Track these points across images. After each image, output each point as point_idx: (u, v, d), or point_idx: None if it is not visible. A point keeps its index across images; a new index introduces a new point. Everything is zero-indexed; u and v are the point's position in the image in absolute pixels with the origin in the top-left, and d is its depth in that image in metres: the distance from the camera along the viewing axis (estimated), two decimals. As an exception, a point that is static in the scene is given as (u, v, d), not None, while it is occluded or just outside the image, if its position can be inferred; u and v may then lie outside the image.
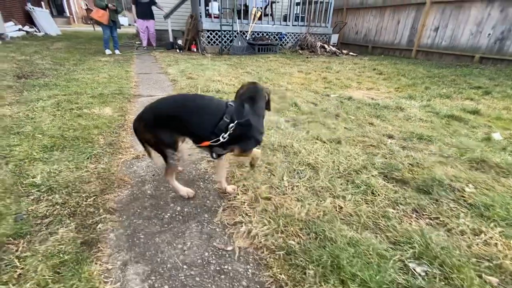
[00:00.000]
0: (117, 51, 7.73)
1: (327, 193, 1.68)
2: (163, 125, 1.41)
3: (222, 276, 1.15)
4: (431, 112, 3.37)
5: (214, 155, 1.51)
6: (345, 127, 2.77)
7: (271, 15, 9.98)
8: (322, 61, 7.84)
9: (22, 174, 1.77)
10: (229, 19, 8.68)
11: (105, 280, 1.11)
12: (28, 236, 1.29)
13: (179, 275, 1.15)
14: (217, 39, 8.77)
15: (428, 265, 1.19)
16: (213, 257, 1.24)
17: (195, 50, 9.05)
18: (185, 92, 3.83)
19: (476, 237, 1.40)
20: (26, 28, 11.99)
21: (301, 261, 1.19)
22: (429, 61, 8.16)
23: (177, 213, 1.53)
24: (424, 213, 1.56)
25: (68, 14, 24.94)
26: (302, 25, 10.06)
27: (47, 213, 1.44)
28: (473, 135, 2.70)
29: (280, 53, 9.18)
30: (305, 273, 1.14)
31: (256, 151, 1.62)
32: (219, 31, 8.55)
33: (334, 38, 10.96)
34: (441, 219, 1.52)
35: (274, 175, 1.87)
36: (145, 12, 8.52)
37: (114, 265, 1.18)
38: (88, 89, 3.82)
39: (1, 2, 10.20)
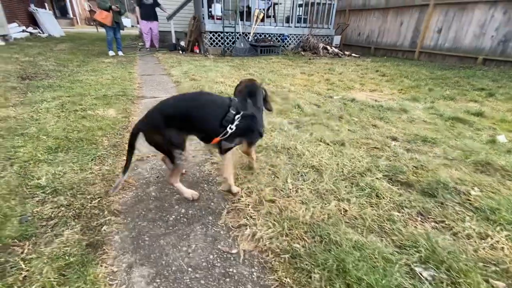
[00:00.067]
0: (120, 53, 7.77)
1: (332, 196, 1.67)
2: (172, 124, 1.43)
3: (227, 279, 1.15)
4: (435, 114, 3.36)
5: (222, 150, 1.58)
6: (348, 129, 2.76)
7: (274, 16, 9.99)
8: (324, 62, 7.83)
9: (27, 175, 1.78)
10: (232, 20, 8.70)
11: (110, 282, 1.11)
12: (34, 238, 1.30)
13: (184, 278, 1.15)
14: (219, 41, 8.79)
15: (434, 270, 1.18)
16: (218, 260, 1.24)
17: (197, 51, 9.08)
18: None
19: (483, 241, 1.39)
20: (30, 29, 12.09)
21: (306, 264, 1.18)
22: (432, 63, 8.13)
23: (181, 215, 1.53)
24: (429, 217, 1.55)
25: (71, 16, 25.12)
26: (304, 27, 10.06)
27: (52, 215, 1.45)
28: (478, 138, 2.68)
29: (283, 54, 9.19)
30: (310, 277, 1.13)
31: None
32: (221, 32, 8.57)
33: (337, 39, 10.96)
34: (446, 222, 1.51)
35: (278, 178, 1.87)
36: (149, 14, 8.57)
37: (119, 267, 1.18)
38: (92, 90, 3.84)
39: (5, 3, 10.28)
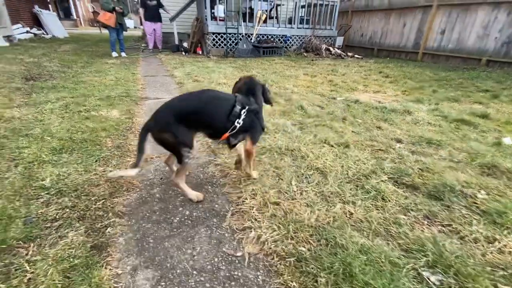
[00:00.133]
0: (123, 54, 7.80)
1: (337, 199, 1.66)
2: (181, 122, 1.43)
3: (233, 283, 1.14)
4: (439, 116, 3.33)
5: (231, 146, 1.65)
6: (352, 131, 2.74)
7: (276, 17, 10.00)
8: (327, 63, 7.82)
9: (32, 176, 1.78)
10: (235, 22, 8.71)
11: (115, 285, 1.11)
12: (38, 239, 1.29)
13: (189, 281, 1.14)
14: (222, 42, 8.81)
15: (442, 274, 1.16)
16: (223, 263, 1.23)
17: (200, 52, 9.10)
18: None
19: (490, 245, 1.37)
20: (34, 30, 12.18)
21: (312, 268, 1.17)
22: (435, 64, 8.10)
23: (186, 217, 1.52)
24: (436, 220, 1.53)
25: (75, 17, 25.31)
26: (307, 28, 10.06)
27: (57, 216, 1.44)
28: (483, 140, 2.66)
29: (285, 55, 9.19)
30: (316, 281, 1.12)
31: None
32: (224, 33, 8.59)
33: (339, 40, 10.94)
34: (453, 226, 1.49)
35: (282, 180, 1.86)
36: (153, 15, 8.61)
37: (124, 270, 1.18)
38: (96, 91, 3.85)
39: (10, 4, 10.37)
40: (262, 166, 2.04)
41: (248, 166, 1.80)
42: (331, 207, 1.58)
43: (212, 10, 8.60)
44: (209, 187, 1.83)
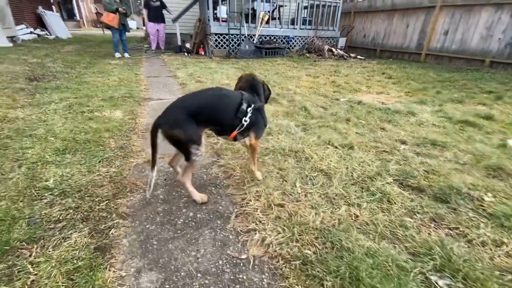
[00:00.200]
0: (126, 54, 7.82)
1: (342, 201, 1.64)
2: (192, 119, 1.45)
3: (237, 286, 1.13)
4: (443, 117, 3.31)
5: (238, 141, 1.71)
6: (356, 132, 2.73)
7: (279, 18, 10.00)
8: (330, 64, 7.80)
9: (35, 177, 1.78)
10: (237, 22, 8.72)
11: (119, 287, 1.09)
12: (42, 241, 1.29)
13: (194, 283, 1.13)
14: (224, 43, 8.81)
15: (451, 279, 1.14)
16: (227, 266, 1.22)
17: (203, 53, 9.11)
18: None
19: (498, 248, 1.35)
20: (37, 31, 12.25)
21: (318, 271, 1.15)
22: (438, 65, 8.06)
23: (189, 219, 1.51)
24: (442, 223, 1.51)
25: (78, 18, 25.45)
26: (309, 29, 10.05)
27: (60, 218, 1.44)
28: (488, 142, 2.63)
29: (288, 56, 9.18)
30: (322, 285, 1.11)
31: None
32: (226, 34, 8.59)
33: (342, 41, 10.92)
34: (460, 229, 1.47)
35: (286, 181, 1.84)
36: (156, 16, 8.64)
37: (127, 272, 1.17)
38: (99, 92, 3.85)
39: (13, 5, 10.44)
40: (266, 167, 2.03)
41: (252, 163, 1.83)
42: (336, 209, 1.56)
43: (215, 11, 8.61)
44: (213, 188, 1.82)
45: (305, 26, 10.02)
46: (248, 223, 1.47)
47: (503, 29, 6.89)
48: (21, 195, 1.60)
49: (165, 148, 2.31)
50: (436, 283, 1.13)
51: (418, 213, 1.56)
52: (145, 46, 10.92)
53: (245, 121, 1.58)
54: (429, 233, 1.42)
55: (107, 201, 1.59)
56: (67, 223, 1.41)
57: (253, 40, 8.94)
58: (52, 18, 13.86)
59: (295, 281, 1.13)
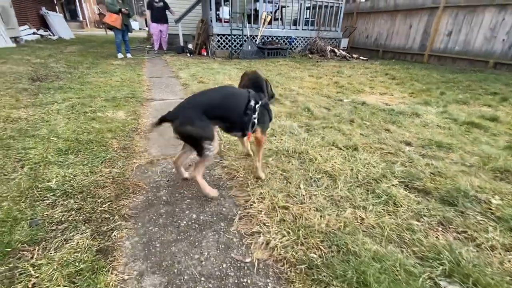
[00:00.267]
0: (128, 55, 7.84)
1: (347, 203, 1.62)
2: (204, 115, 1.49)
3: (242, 290, 1.11)
4: (448, 118, 3.27)
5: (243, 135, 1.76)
6: (360, 133, 2.70)
7: (281, 19, 9.99)
8: (332, 65, 7.77)
9: (38, 177, 1.77)
10: (239, 23, 8.71)
11: (121, 291, 1.08)
12: (43, 242, 1.27)
13: (197, 287, 1.11)
14: (227, 43, 8.81)
15: (460, 284, 1.12)
16: (231, 269, 1.20)
17: (205, 54, 9.11)
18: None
19: (508, 253, 1.32)
20: (41, 31, 12.31)
21: (324, 276, 1.13)
22: (442, 66, 8.01)
23: (193, 221, 1.49)
24: (450, 226, 1.48)
25: (81, 19, 25.58)
26: (312, 29, 10.03)
27: (63, 219, 1.42)
28: (495, 143, 2.59)
29: (290, 57, 9.16)
30: (329, 290, 1.08)
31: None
32: (229, 35, 8.59)
33: (344, 42, 10.88)
34: (469, 233, 1.44)
35: (290, 183, 1.82)
36: (159, 16, 8.65)
37: (130, 275, 1.15)
38: (102, 92, 3.85)
39: (17, 6, 10.50)
40: (269, 169, 2.00)
41: (257, 159, 1.84)
42: (341, 212, 1.54)
43: (217, 12, 8.62)
44: (216, 189, 1.79)
45: (307, 27, 10.00)
46: (252, 225, 1.45)
47: (507, 30, 6.84)
48: (23, 196, 1.59)
49: (167, 148, 2.31)
50: (446, 288, 1.10)
51: (425, 216, 1.54)
52: (147, 46, 10.94)
53: (254, 118, 1.64)
54: (437, 237, 1.39)
55: (109, 203, 1.57)
56: (69, 224, 1.39)
57: (256, 40, 8.93)
58: (55, 18, 13.93)
59: (300, 286, 1.11)
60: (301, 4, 9.69)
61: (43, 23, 13.45)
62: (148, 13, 8.80)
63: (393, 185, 1.81)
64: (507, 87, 5.09)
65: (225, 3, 8.76)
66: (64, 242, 1.28)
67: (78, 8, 25.17)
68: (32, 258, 1.19)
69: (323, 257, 1.23)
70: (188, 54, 9.03)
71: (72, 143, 2.24)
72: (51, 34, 13.03)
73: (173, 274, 1.17)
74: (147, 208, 1.58)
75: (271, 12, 9.22)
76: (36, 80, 4.41)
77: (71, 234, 1.32)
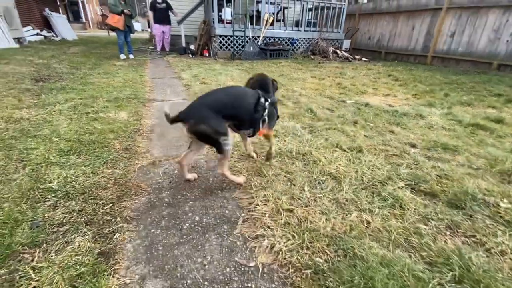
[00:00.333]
0: (131, 56, 7.85)
1: (353, 206, 1.59)
2: (217, 114, 1.53)
3: (246, 295, 1.08)
4: (453, 120, 3.23)
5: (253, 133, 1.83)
6: (364, 135, 2.67)
7: (283, 20, 9.98)
8: (335, 66, 7.75)
9: (39, 178, 1.75)
10: (242, 24, 8.71)
11: (123, 295, 1.05)
12: (44, 245, 1.25)
13: (200, 292, 1.08)
14: (229, 45, 8.81)
15: (471, 291, 1.08)
16: (235, 274, 1.17)
17: (207, 55, 9.11)
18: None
19: (518, 258, 1.29)
20: (44, 32, 12.37)
21: (331, 281, 1.10)
22: (445, 67, 7.97)
23: (195, 223, 1.46)
24: (458, 230, 1.45)
25: (84, 20, 25.73)
26: (314, 31, 10.01)
27: (64, 221, 1.40)
28: (501, 146, 2.56)
29: (292, 58, 9.15)
30: (336, 296, 1.05)
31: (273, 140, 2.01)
32: (231, 36, 8.59)
33: (346, 43, 10.86)
34: (478, 237, 1.40)
35: (294, 185, 1.79)
36: (162, 17, 8.67)
37: (132, 279, 1.12)
38: (104, 93, 3.84)
39: (21, 7, 10.56)
40: (273, 170, 1.98)
41: (271, 147, 1.98)
42: (347, 215, 1.51)
43: (220, 13, 8.62)
44: (219, 191, 1.77)
45: (309, 28, 9.99)
46: (256, 228, 1.42)
47: (511, 32, 6.80)
48: (25, 197, 1.57)
49: (169, 149, 2.29)
50: (456, 295, 1.07)
51: (432, 219, 1.50)
52: (150, 47, 10.96)
53: (265, 115, 1.72)
54: (445, 241, 1.36)
55: (111, 204, 1.55)
56: (70, 226, 1.37)
57: (258, 42, 8.92)
58: (59, 20, 14.01)
59: (306, 291, 1.08)
60: (303, 5, 9.68)
61: (47, 24, 13.53)
62: (150, 14, 8.82)
63: (399, 187, 1.78)
64: (511, 88, 5.05)
65: (228, 5, 8.75)
66: (65, 245, 1.26)
67: (81, 10, 25.32)
68: (32, 260, 1.17)
69: (329, 261, 1.20)
70: (190, 55, 9.03)
71: (74, 144, 2.23)
72: (54, 35, 13.10)
73: (175, 278, 1.14)
74: (149, 210, 1.55)
75: (273, 13, 9.22)
76: (39, 80, 4.41)
77: (72, 237, 1.30)
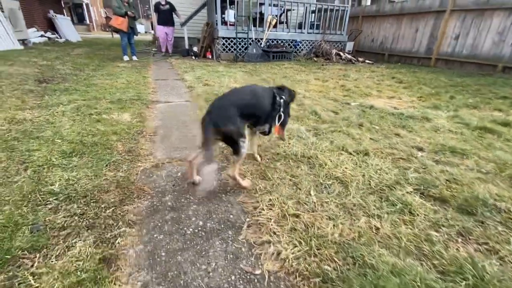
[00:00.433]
0: (134, 57, 7.87)
1: (361, 212, 1.54)
2: (242, 113, 1.55)
3: (252, 305, 1.04)
4: (460, 123, 3.18)
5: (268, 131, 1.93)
6: (370, 138, 2.62)
7: (286, 22, 9.97)
8: (338, 68, 7.71)
9: (41, 181, 1.72)
10: (245, 26, 8.71)
11: (125, 304, 1.02)
12: (45, 250, 1.22)
13: (205, 301, 1.05)
14: (232, 47, 8.81)
15: (487, 302, 1.04)
16: (241, 282, 1.13)
17: (210, 57, 9.11)
18: (202, 98, 3.78)
19: (533, 267, 1.24)
20: (48, 34, 12.46)
21: (340, 291, 1.06)
22: (449, 70, 7.91)
23: (199, 228, 1.43)
24: (470, 237, 1.40)
25: (88, 22, 25.93)
26: (317, 33, 10.00)
27: (65, 225, 1.37)
28: (509, 149, 2.50)
29: (295, 60, 9.12)
30: (346, 306, 1.01)
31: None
32: (234, 38, 8.59)
33: (349, 45, 10.83)
34: (490, 244, 1.36)
35: (300, 189, 1.75)
36: (166, 19, 8.70)
37: (134, 286, 1.09)
38: (107, 94, 3.83)
39: (25, 9, 10.64)
40: (278, 173, 1.94)
41: (283, 138, 2.23)
42: (355, 220, 1.47)
43: (223, 15, 8.63)
44: (223, 195, 1.73)
45: (312, 30, 9.98)
46: (261, 234, 1.38)
47: (516, 34, 6.75)
48: (26, 200, 1.54)
49: (172, 152, 2.26)
50: (472, 306, 1.02)
51: (443, 226, 1.46)
52: (153, 49, 10.99)
53: (282, 112, 1.81)
54: (457, 249, 1.31)
55: (113, 208, 1.52)
56: (71, 230, 1.34)
57: (261, 44, 8.92)
58: (63, 21, 14.11)
59: (315, 301, 1.04)
60: (306, 8, 9.67)
61: (51, 26, 13.63)
62: (154, 15, 8.86)
63: (407, 192, 1.73)
64: (517, 91, 4.99)
65: (231, 7, 8.77)
66: (66, 250, 1.22)
67: (85, 12, 25.53)
68: (32, 266, 1.13)
69: (338, 270, 1.16)
70: (193, 57, 9.04)
71: (76, 146, 2.21)
72: (58, 36, 13.19)
73: (179, 286, 1.10)
74: (152, 214, 1.52)
75: (276, 16, 9.22)
76: (42, 81, 4.42)
77: (73, 241, 1.27)
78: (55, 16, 13.61)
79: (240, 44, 8.77)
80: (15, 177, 1.75)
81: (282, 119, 1.84)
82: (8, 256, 1.16)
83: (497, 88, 5.22)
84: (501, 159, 2.27)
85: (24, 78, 4.54)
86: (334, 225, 1.41)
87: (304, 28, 9.80)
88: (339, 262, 1.20)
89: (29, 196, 1.57)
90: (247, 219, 1.50)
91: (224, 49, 8.77)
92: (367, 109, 3.64)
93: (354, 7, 11.90)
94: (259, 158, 2.13)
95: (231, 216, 1.53)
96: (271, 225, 1.43)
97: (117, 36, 8.11)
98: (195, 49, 9.32)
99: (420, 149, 2.44)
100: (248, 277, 1.15)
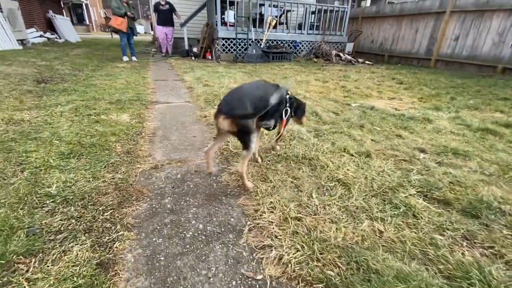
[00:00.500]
0: (134, 58, 7.84)
1: (363, 215, 1.51)
2: (255, 108, 1.55)
3: (254, 312, 1.01)
4: (462, 124, 3.16)
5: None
6: (372, 139, 2.60)
7: (286, 23, 9.97)
8: (338, 69, 7.70)
9: (38, 183, 1.69)
10: (245, 27, 8.70)
11: (123, 310, 0.99)
12: (40, 254, 1.19)
13: (205, 308, 1.02)
14: (232, 47, 8.79)
15: (495, 309, 1.01)
16: (242, 287, 1.10)
17: (210, 57, 9.09)
18: (202, 98, 3.76)
19: (540, 272, 1.21)
20: (47, 34, 12.42)
21: (344, 297, 1.03)
22: (449, 71, 7.90)
23: (199, 231, 1.40)
24: (476, 241, 1.37)
25: (87, 22, 25.90)
26: (317, 34, 9.99)
27: (62, 228, 1.34)
28: (512, 151, 2.48)
29: (295, 61, 9.11)
30: (350, 313, 0.98)
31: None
32: (234, 39, 8.57)
33: (349, 46, 10.83)
34: (496, 248, 1.33)
35: (301, 191, 1.72)
36: (165, 19, 8.68)
37: (132, 292, 1.06)
38: (106, 95, 3.80)
39: (24, 9, 10.60)
40: (279, 175, 1.91)
41: (281, 139, 2.25)
42: (358, 224, 1.44)
43: (223, 16, 8.61)
44: (223, 197, 1.70)
45: (312, 31, 9.97)
46: (262, 238, 1.35)
47: (517, 35, 6.75)
48: (22, 202, 1.51)
49: (172, 153, 2.23)
50: (479, 313, 1.00)
51: (448, 229, 1.43)
52: (152, 50, 10.97)
53: (288, 107, 1.86)
54: (462, 253, 1.29)
55: (111, 210, 1.49)
56: (68, 234, 1.31)
57: (260, 44, 8.90)
58: (62, 22, 14.08)
59: (318, 307, 1.01)
60: (306, 8, 9.67)
61: (50, 26, 13.59)
62: (154, 16, 8.84)
63: (410, 194, 1.70)
64: (517, 92, 4.98)
65: (231, 7, 8.76)
66: (63, 254, 1.19)
67: (85, 12, 25.50)
68: (27, 271, 1.10)
69: (341, 275, 1.13)
70: (193, 58, 9.02)
71: (74, 147, 2.17)
72: (57, 37, 13.15)
73: (179, 291, 1.07)
74: (151, 217, 1.49)
75: (276, 16, 9.21)
76: (41, 82, 4.38)
77: (70, 245, 1.24)
78: (55, 16, 13.57)
79: (240, 44, 8.75)
80: (11, 179, 1.72)
81: (287, 114, 1.87)
82: (3, 261, 1.12)
83: (498, 90, 5.20)
84: (504, 160, 2.25)
85: (23, 78, 4.51)
86: (337, 229, 1.38)
87: (304, 29, 9.79)
88: (342, 267, 1.17)
89: (26, 199, 1.54)
90: (248, 222, 1.47)
91: (224, 50, 8.75)
92: (368, 110, 3.61)
93: (354, 8, 11.91)
94: (260, 160, 2.10)
95: (232, 219, 1.50)
96: (273, 228, 1.40)
97: (116, 36, 8.09)
98: (194, 49, 9.29)
99: (422, 151, 2.42)
100: (249, 282, 1.12)
